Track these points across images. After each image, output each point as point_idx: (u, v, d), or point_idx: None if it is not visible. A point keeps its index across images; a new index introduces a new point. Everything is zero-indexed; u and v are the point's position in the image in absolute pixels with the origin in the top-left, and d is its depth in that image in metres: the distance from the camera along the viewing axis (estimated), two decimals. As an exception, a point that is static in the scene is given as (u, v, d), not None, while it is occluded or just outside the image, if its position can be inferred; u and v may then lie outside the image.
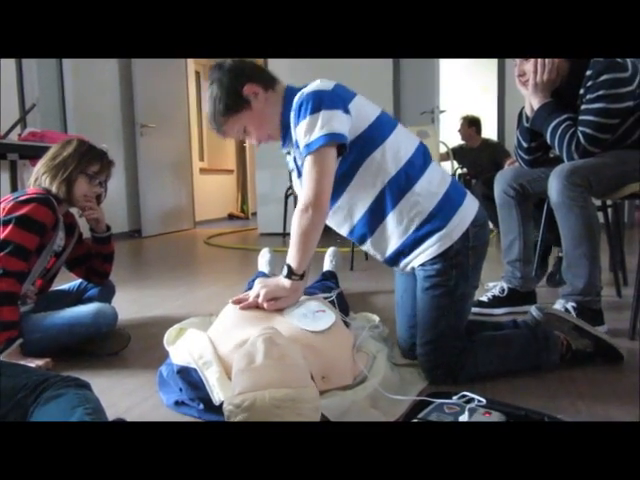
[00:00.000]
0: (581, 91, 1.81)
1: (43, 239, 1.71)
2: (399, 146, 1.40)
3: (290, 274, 1.37)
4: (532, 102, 1.92)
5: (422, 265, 1.41)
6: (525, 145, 2.06)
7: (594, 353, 1.49)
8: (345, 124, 1.33)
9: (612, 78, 1.74)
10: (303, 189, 1.34)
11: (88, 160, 1.87)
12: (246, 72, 1.43)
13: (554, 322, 1.50)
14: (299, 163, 1.44)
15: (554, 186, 1.76)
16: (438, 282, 1.39)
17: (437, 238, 1.37)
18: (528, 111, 1.98)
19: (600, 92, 1.75)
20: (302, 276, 1.39)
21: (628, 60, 1.78)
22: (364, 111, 1.40)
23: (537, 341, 1.46)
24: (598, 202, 2.32)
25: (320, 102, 1.31)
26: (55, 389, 0.91)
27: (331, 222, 1.50)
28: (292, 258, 1.37)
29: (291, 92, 1.43)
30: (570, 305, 1.79)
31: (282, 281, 1.39)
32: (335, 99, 1.33)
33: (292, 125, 1.38)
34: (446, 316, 1.40)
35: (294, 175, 1.52)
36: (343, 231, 1.51)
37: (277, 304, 1.38)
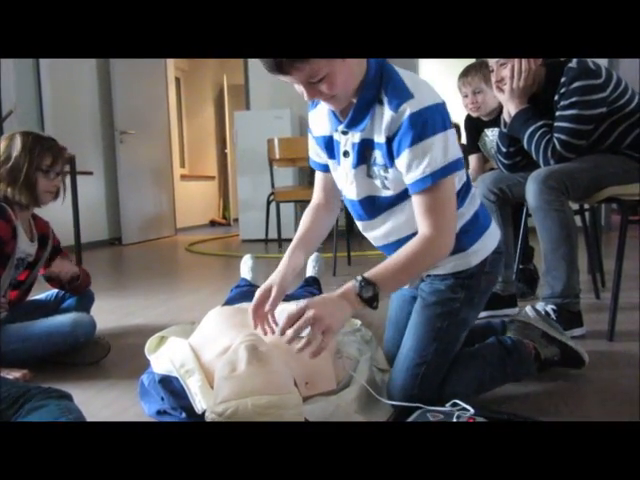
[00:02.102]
0: (556, 97, 1.84)
1: (3, 250, 1.65)
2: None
3: (373, 299, 1.11)
4: (509, 108, 1.95)
5: (431, 278, 1.32)
6: (504, 150, 2.08)
7: (561, 361, 1.46)
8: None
9: (585, 85, 1.77)
10: (436, 220, 1.15)
11: (39, 154, 1.73)
12: None
13: (523, 330, 1.47)
14: (380, 160, 1.22)
15: (531, 190, 1.79)
16: (443, 299, 1.29)
17: (456, 258, 1.28)
18: (506, 117, 2.01)
19: (573, 99, 1.79)
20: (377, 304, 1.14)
21: (602, 66, 1.82)
22: None
23: (510, 355, 1.37)
24: (576, 206, 2.37)
25: (445, 122, 1.14)
26: (37, 400, 0.91)
27: (368, 232, 1.37)
28: (390, 279, 1.15)
29: (375, 71, 1.18)
30: (550, 307, 1.81)
31: (346, 303, 1.11)
32: (449, 119, 1.17)
33: (385, 121, 1.16)
34: (439, 340, 1.27)
35: (347, 163, 1.28)
36: (376, 242, 1.39)
37: (326, 339, 1.07)
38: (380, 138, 1.19)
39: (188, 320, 1.91)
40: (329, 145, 1.32)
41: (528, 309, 1.54)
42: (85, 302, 2.03)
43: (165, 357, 1.33)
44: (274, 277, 1.29)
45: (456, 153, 1.16)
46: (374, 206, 1.29)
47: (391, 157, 1.18)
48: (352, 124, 1.22)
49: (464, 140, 5.04)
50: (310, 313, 1.05)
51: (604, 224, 4.88)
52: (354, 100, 1.20)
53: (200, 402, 1.16)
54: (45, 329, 1.68)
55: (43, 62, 4.89)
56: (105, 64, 5.63)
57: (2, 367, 1.57)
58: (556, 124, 1.84)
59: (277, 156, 4.67)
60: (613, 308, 1.79)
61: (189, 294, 2.91)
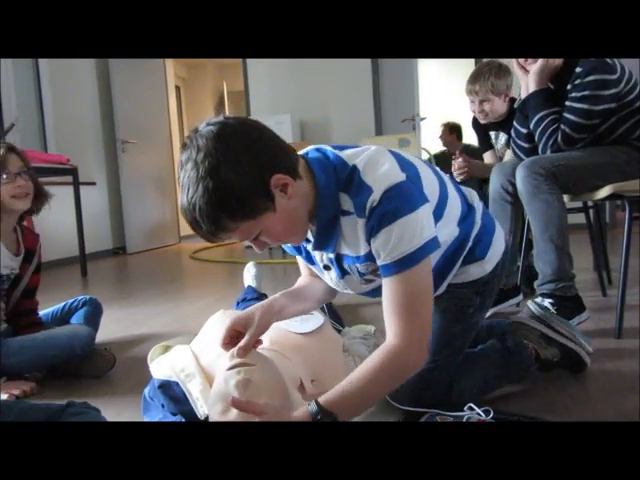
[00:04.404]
0: (569, 86, 1.83)
1: None
2: (450, 210, 1.18)
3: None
4: (530, 85, 1.91)
5: (449, 286, 1.28)
6: (524, 131, 2.00)
7: (561, 362, 1.44)
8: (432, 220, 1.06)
9: (599, 79, 1.77)
10: (406, 323, 1.00)
11: None
12: (270, 153, 0.99)
13: (522, 331, 1.46)
14: (350, 267, 1.13)
15: (520, 176, 1.80)
16: (458, 305, 1.27)
17: (475, 266, 1.25)
18: (523, 92, 1.97)
19: (585, 92, 1.78)
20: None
21: (617, 61, 1.81)
22: (429, 187, 1.10)
23: (512, 356, 1.37)
24: (580, 203, 2.36)
25: (411, 203, 1.00)
26: (77, 408, 1.01)
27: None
28: (349, 407, 0.98)
29: (327, 187, 1.04)
30: (548, 302, 1.80)
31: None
32: (420, 189, 1.05)
33: (361, 230, 1.04)
34: (451, 344, 1.26)
35: (332, 274, 1.20)
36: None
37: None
38: (355, 252, 1.09)
39: (194, 327, 1.90)
40: (302, 252, 1.22)
41: (530, 304, 1.53)
42: (93, 313, 2.02)
43: (165, 363, 1.31)
44: (255, 313, 1.15)
45: (426, 235, 1.01)
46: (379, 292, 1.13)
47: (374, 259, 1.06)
48: (319, 247, 1.12)
49: (466, 139, 5.03)
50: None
51: (609, 221, 4.86)
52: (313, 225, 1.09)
53: (202, 407, 1.15)
54: (41, 341, 1.66)
55: (44, 74, 4.91)
56: (105, 74, 5.65)
57: (8, 380, 1.57)
58: (564, 115, 1.84)
59: (279, 161, 4.67)
60: (620, 305, 1.77)
61: (194, 302, 2.90)
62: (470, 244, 1.23)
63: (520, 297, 2.12)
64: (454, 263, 1.23)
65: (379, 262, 1.03)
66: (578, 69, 1.80)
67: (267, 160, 0.97)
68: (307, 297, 1.30)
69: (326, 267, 1.19)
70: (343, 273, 1.16)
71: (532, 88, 1.91)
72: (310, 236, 1.13)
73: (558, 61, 1.86)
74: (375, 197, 0.99)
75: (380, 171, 1.01)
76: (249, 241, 1.05)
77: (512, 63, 2.05)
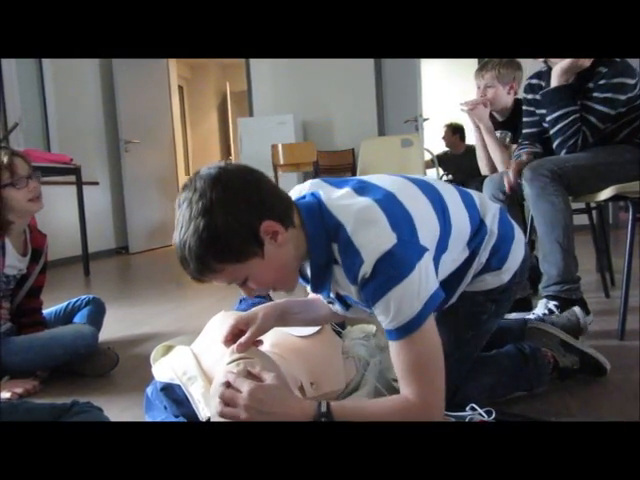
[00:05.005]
0: (590, 85, 1.82)
1: None
2: (459, 231, 1.15)
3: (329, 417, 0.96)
4: (553, 79, 1.89)
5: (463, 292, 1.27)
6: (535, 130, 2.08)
7: (580, 370, 1.42)
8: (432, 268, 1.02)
9: (622, 82, 1.77)
10: (421, 384, 0.99)
11: None
12: (264, 200, 0.99)
13: (540, 337, 1.43)
14: (354, 298, 1.10)
15: (525, 178, 1.81)
16: (472, 311, 1.26)
17: (491, 275, 1.24)
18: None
19: (609, 94, 1.79)
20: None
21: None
22: (428, 231, 1.06)
23: (527, 364, 1.34)
24: (582, 204, 2.35)
25: (405, 266, 0.96)
26: (81, 407, 1.02)
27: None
28: (345, 417, 0.97)
29: (317, 236, 1.04)
30: (552, 304, 1.79)
31: (300, 413, 0.96)
32: (415, 242, 1.01)
33: (348, 282, 1.03)
34: (460, 349, 1.23)
35: (336, 307, 1.22)
36: None
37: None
38: (352, 296, 1.07)
39: (195, 328, 1.90)
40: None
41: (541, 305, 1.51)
42: (96, 313, 2.02)
43: (167, 365, 1.32)
44: (258, 313, 1.18)
45: (424, 295, 0.97)
46: None
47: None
48: (315, 289, 1.13)
49: (469, 140, 4.99)
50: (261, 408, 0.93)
51: (612, 222, 4.85)
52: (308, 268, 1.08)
53: (204, 409, 1.15)
54: (46, 340, 1.67)
55: (47, 74, 4.93)
56: (108, 74, 5.66)
57: (10, 379, 1.58)
58: (585, 116, 1.83)
59: (281, 161, 4.68)
60: (623, 307, 1.77)
61: (196, 301, 2.91)
62: (487, 256, 1.21)
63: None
64: (462, 278, 1.21)
65: (383, 325, 1.02)
66: (603, 69, 1.79)
67: (259, 206, 0.98)
68: (315, 311, 1.31)
69: (330, 302, 1.21)
70: (347, 306, 1.17)
71: (556, 83, 1.88)
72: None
73: (588, 61, 1.84)
74: (366, 270, 0.96)
75: (369, 235, 0.97)
76: (237, 285, 1.06)
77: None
